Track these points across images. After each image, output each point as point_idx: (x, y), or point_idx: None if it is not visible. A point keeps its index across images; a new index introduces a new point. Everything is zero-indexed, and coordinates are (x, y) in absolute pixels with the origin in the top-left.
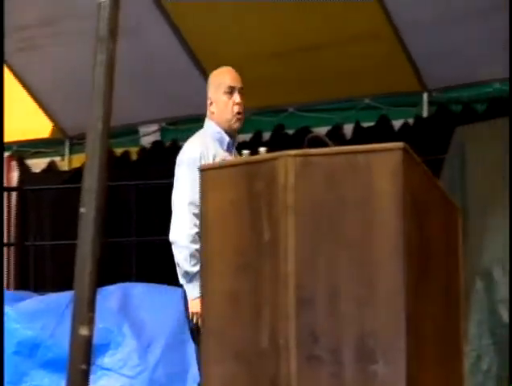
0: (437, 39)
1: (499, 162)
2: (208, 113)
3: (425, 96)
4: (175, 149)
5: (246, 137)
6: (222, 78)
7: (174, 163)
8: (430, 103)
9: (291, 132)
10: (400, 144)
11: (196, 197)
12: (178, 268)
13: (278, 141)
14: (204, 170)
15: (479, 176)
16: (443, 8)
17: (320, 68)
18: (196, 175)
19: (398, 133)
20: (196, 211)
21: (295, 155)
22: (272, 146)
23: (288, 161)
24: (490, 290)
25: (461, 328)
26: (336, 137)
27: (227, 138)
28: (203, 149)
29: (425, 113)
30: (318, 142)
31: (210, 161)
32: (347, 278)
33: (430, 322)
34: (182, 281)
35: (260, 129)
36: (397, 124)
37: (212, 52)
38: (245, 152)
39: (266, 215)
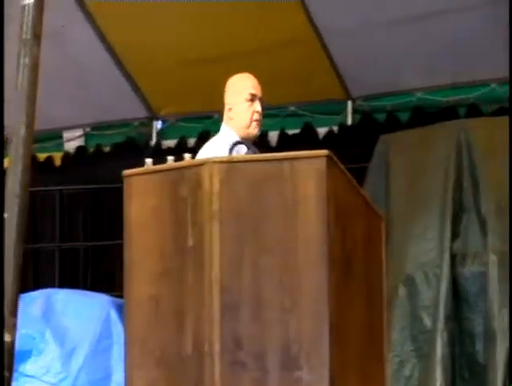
0: (361, 46)
1: (422, 170)
2: (225, 119)
3: (349, 104)
4: (99, 154)
5: (171, 143)
6: (244, 84)
7: (98, 169)
8: (354, 111)
9: None
10: (324, 151)
11: None
12: None
13: None
14: (128, 176)
15: (402, 184)
16: (368, 15)
17: None
18: None
19: (323, 141)
20: None
21: (220, 162)
22: (197, 153)
23: (213, 167)
24: (413, 296)
25: (384, 334)
26: (261, 144)
27: (244, 149)
28: (218, 155)
29: (349, 121)
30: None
31: None
32: (271, 285)
33: (353, 329)
34: None
35: (185, 136)
36: (321, 131)
37: (137, 58)
38: (170, 158)
39: (191, 220)
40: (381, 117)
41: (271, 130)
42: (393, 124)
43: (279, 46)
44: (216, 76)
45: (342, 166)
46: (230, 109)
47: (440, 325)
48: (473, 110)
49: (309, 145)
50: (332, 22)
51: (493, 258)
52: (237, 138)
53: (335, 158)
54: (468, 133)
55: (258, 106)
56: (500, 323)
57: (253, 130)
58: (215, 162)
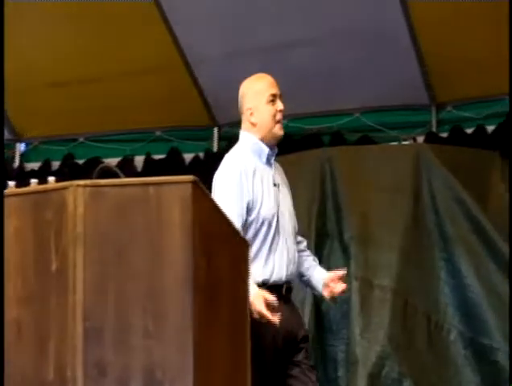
0: (228, 73)
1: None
2: (245, 125)
3: (215, 130)
4: None
5: (35, 166)
6: (262, 86)
7: None
8: (220, 137)
9: (81, 162)
10: (190, 177)
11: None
12: None
13: (68, 171)
14: None
15: None
16: (235, 43)
17: (112, 98)
18: (240, 190)
19: (189, 167)
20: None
21: (85, 185)
22: (61, 176)
23: (77, 191)
24: None
25: (248, 361)
26: (126, 168)
27: (266, 150)
28: (241, 165)
29: (215, 148)
30: (108, 173)
31: (249, 176)
32: (135, 310)
33: (218, 355)
34: None
35: (49, 158)
36: (188, 157)
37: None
38: (33, 181)
39: (54, 244)
40: None
41: (137, 154)
42: None
43: (146, 70)
44: (81, 100)
45: (208, 192)
46: (252, 114)
47: None
48: (337, 138)
49: (175, 171)
50: (199, 48)
51: (355, 285)
52: (257, 141)
53: (201, 184)
54: (332, 161)
55: (280, 104)
56: (361, 349)
57: (279, 132)
58: (79, 185)
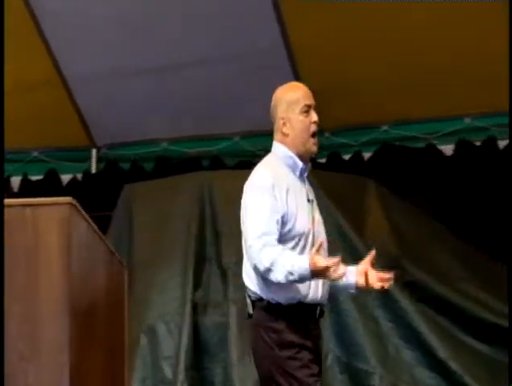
0: (107, 95)
1: (166, 220)
2: (278, 135)
3: (94, 152)
4: None
5: None
6: (297, 95)
7: None
8: (99, 159)
9: None
10: (67, 199)
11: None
12: (289, 280)
13: None
14: None
15: (146, 233)
16: (114, 64)
17: None
18: (273, 203)
19: (67, 188)
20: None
21: None
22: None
23: None
24: (154, 347)
25: (125, 384)
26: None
27: (300, 164)
28: (275, 177)
29: (94, 169)
30: None
31: (283, 190)
32: (10, 333)
33: (94, 378)
34: (295, 278)
35: None
36: (65, 178)
37: None
38: None
39: None
40: (126, 165)
41: (14, 175)
42: (137, 173)
43: (23, 89)
44: None
45: (85, 214)
46: (285, 124)
47: (181, 375)
48: (217, 162)
49: (52, 192)
50: (78, 68)
51: (232, 308)
52: (292, 155)
53: (78, 206)
54: (211, 184)
55: (314, 116)
56: (238, 372)
57: (313, 147)
58: None
